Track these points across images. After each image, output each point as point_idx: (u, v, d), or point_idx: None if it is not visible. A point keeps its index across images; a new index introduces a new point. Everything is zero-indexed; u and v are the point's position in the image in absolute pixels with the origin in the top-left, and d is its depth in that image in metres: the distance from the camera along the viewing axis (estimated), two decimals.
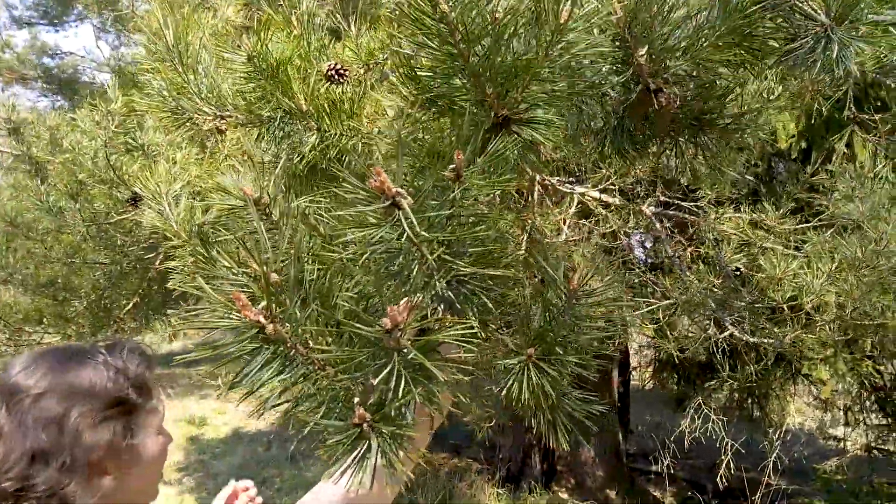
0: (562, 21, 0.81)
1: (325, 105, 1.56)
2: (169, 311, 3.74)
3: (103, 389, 1.05)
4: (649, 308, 3.01)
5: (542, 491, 5.93)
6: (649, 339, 7.24)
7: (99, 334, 3.43)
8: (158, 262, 3.57)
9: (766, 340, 2.60)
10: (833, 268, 2.32)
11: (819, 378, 3.99)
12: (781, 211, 2.83)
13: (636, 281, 4.66)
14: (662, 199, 3.14)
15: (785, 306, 2.43)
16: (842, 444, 6.75)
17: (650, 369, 7.36)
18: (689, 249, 3.16)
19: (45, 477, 0.95)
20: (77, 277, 3.36)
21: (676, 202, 3.06)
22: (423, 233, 0.80)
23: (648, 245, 4.44)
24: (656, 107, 1.06)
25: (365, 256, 0.89)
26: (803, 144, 4.17)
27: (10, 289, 3.42)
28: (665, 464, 5.11)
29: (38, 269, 3.29)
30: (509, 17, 0.83)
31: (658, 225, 2.97)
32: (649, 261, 4.29)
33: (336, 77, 1.67)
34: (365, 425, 0.82)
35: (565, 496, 5.72)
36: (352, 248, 0.95)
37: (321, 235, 1.13)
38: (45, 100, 13.15)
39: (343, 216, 0.92)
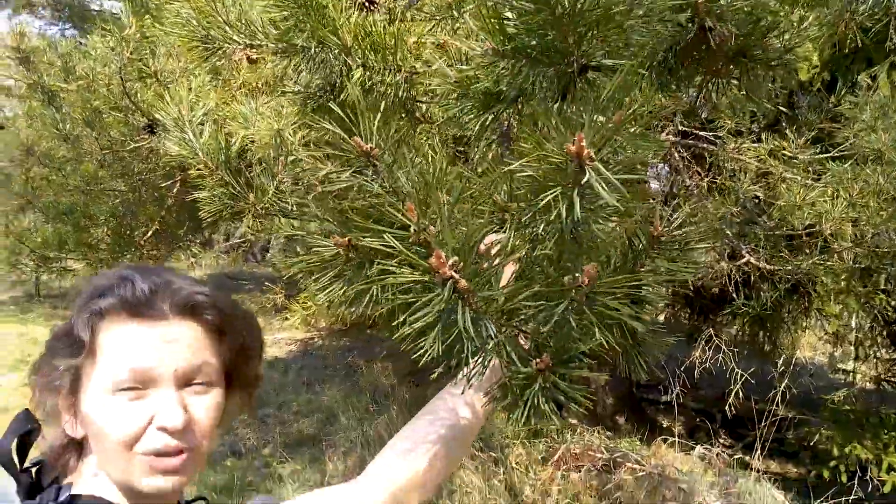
0: None
1: (362, 36, 1.51)
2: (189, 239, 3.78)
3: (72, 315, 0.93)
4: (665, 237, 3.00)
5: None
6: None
7: (120, 261, 3.49)
8: (176, 189, 3.61)
9: (782, 268, 2.60)
10: (854, 194, 2.30)
11: (831, 312, 4.00)
12: (802, 140, 2.79)
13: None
14: (681, 128, 3.10)
15: (803, 233, 2.43)
16: (851, 377, 6.82)
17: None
18: (707, 179, 3.13)
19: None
20: (96, 205, 3.38)
21: (695, 132, 3.02)
22: None
23: (664, 174, 4.41)
24: (712, 45, 1.07)
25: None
26: (826, 76, 4.07)
27: (31, 217, 3.46)
28: (675, 393, 5.20)
29: (57, 197, 3.32)
30: None
31: (676, 155, 2.94)
32: (665, 191, 4.27)
33: (368, 4, 1.62)
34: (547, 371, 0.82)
35: (575, 422, 5.85)
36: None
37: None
38: (53, 28, 12.99)
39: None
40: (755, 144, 2.95)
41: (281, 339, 10.61)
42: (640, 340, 1.12)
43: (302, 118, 2.08)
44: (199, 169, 1.79)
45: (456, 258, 0.77)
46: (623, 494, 4.51)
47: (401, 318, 0.94)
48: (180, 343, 0.92)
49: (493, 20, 0.92)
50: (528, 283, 0.85)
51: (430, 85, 1.29)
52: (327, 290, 1.11)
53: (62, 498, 0.90)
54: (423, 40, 1.61)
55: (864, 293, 4.05)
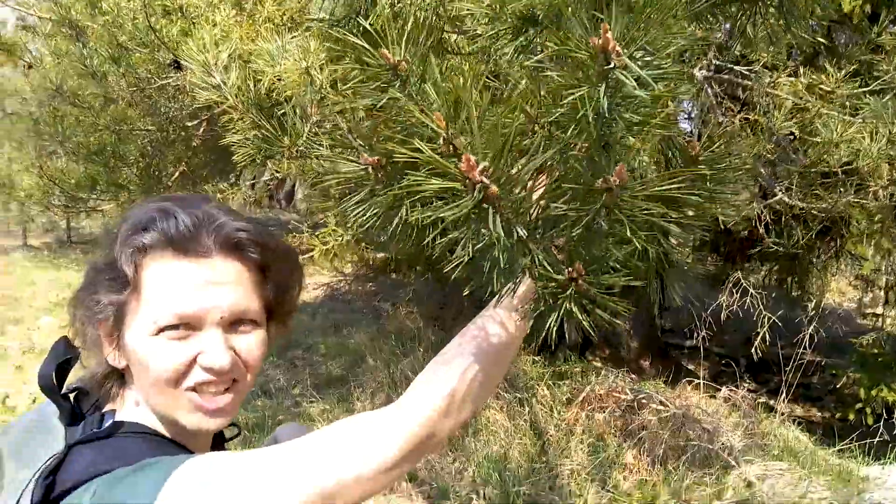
0: None
1: None
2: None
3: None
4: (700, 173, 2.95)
5: (578, 360, 6.11)
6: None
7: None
8: (202, 129, 3.62)
9: (816, 205, 2.55)
10: (894, 131, 2.23)
11: (863, 253, 3.94)
12: (841, 74, 2.70)
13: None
14: (715, 63, 3.01)
15: (839, 170, 2.37)
16: (879, 322, 6.76)
17: (691, 241, 7.32)
18: (740, 116, 3.06)
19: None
20: (125, 145, 3.40)
21: (729, 66, 2.94)
22: None
23: (695, 115, 4.32)
24: None
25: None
26: (868, 8, 3.93)
27: (63, 157, 3.50)
28: (700, 336, 5.20)
29: (87, 138, 3.34)
30: None
31: (709, 90, 2.87)
32: (695, 132, 4.18)
33: None
34: (580, 279, 0.80)
35: (599, 365, 5.89)
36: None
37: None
38: None
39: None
40: (791, 79, 2.87)
41: (307, 283, 10.76)
42: (670, 262, 1.09)
43: (328, 50, 2.06)
44: (229, 112, 1.78)
45: (486, 164, 0.76)
46: (647, 434, 4.56)
47: (430, 235, 0.93)
48: (226, 285, 0.91)
49: None
50: (558, 188, 0.83)
51: (461, 9, 1.25)
52: (356, 212, 1.08)
53: (106, 424, 0.92)
54: None
55: None
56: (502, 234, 0.77)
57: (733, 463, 4.28)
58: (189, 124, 3.29)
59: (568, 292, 0.79)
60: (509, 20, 1.17)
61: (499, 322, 1.04)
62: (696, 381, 5.28)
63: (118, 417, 0.94)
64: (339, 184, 1.09)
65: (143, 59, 2.83)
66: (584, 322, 0.80)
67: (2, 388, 6.40)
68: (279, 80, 2.21)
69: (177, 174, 3.94)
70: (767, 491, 4.00)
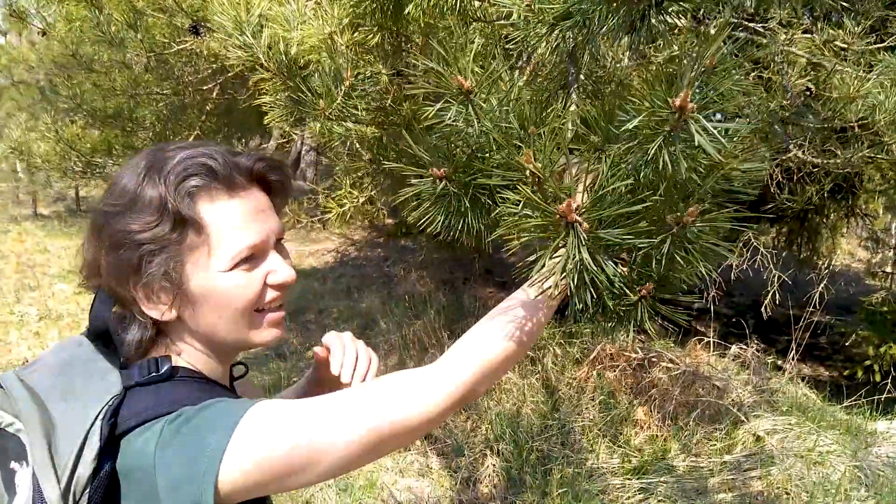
0: None
1: None
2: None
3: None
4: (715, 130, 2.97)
5: (589, 321, 6.18)
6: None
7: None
8: (216, 93, 3.64)
9: (832, 161, 2.57)
10: None
11: (874, 211, 3.96)
12: (859, 29, 2.70)
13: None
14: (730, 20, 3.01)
15: (856, 125, 2.38)
16: (889, 282, 6.80)
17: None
18: (753, 74, 3.06)
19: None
20: (141, 109, 3.43)
21: (744, 23, 2.93)
22: None
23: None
24: None
25: None
26: None
27: (79, 121, 3.53)
28: (711, 296, 5.25)
29: (104, 102, 3.37)
30: None
31: (724, 48, 2.86)
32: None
33: None
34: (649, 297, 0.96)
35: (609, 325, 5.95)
36: None
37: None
38: None
39: None
40: (807, 35, 2.86)
41: (318, 249, 10.82)
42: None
43: (356, 19, 2.07)
44: (260, 72, 1.79)
45: (579, 203, 0.87)
46: (657, 391, 4.64)
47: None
48: (267, 211, 1.02)
49: None
50: (637, 221, 0.92)
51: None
52: (424, 218, 1.22)
53: (164, 369, 0.97)
54: None
55: None
56: (590, 262, 0.88)
57: (743, 418, 4.36)
58: (204, 88, 3.31)
59: (639, 309, 0.97)
60: (546, 21, 1.20)
61: (532, 304, 1.10)
62: (706, 339, 5.34)
63: (174, 363, 1.00)
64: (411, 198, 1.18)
65: (158, 23, 2.84)
66: (651, 330, 0.94)
67: (22, 353, 6.53)
68: (299, 45, 2.23)
69: (191, 138, 3.97)
70: (777, 445, 4.08)
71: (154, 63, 3.13)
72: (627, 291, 0.97)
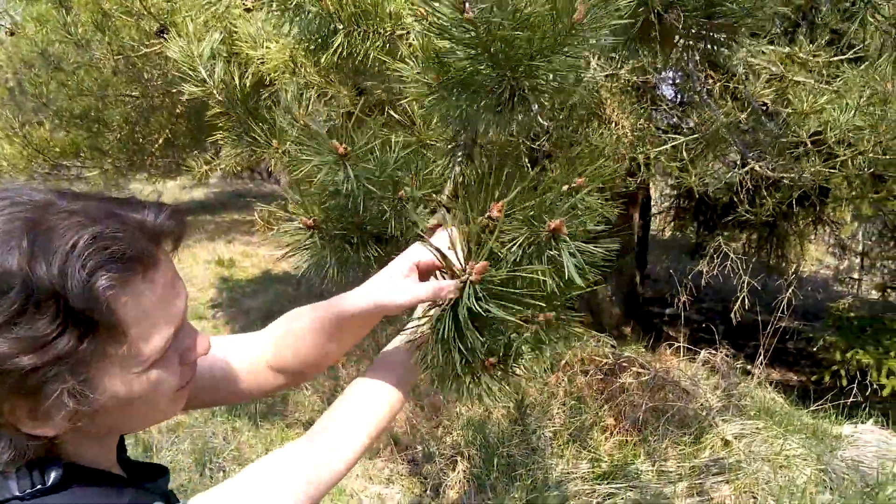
0: (575, 21, 0.91)
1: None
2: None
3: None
4: (673, 143, 3.01)
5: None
6: (670, 184, 7.27)
7: (135, 167, 3.52)
8: (185, 97, 3.58)
9: (786, 175, 2.61)
10: (862, 101, 2.29)
11: (841, 219, 4.03)
12: (816, 43, 2.75)
13: (663, 123, 4.62)
14: (693, 31, 3.04)
15: (808, 141, 2.43)
16: (856, 288, 6.92)
17: (671, 212, 7.43)
18: (718, 85, 3.10)
19: None
20: (109, 110, 3.38)
21: (710, 34, 2.97)
22: None
23: (678, 81, 4.36)
24: (662, 29, 1.14)
25: None
26: None
27: (46, 124, 3.48)
28: (681, 301, 5.30)
29: (71, 102, 3.32)
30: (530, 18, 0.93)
31: (686, 58, 2.90)
32: (678, 98, 4.22)
33: None
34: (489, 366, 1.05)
35: (581, 331, 5.98)
36: None
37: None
38: None
39: None
40: (770, 47, 2.91)
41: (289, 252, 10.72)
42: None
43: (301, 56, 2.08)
44: (214, 108, 1.78)
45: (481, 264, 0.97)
46: (627, 396, 4.68)
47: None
48: (176, 279, 0.86)
49: (431, 55, 1.06)
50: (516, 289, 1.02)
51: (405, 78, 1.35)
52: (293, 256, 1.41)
53: (52, 478, 0.78)
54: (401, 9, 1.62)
55: (876, 199, 4.08)
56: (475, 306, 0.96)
57: (711, 423, 4.40)
58: (173, 90, 3.28)
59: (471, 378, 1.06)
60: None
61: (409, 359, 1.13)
62: (676, 345, 5.39)
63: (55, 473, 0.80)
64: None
65: (127, 25, 2.81)
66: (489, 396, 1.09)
67: None
68: (262, 63, 2.22)
69: (160, 141, 3.93)
70: (744, 449, 4.13)
71: (122, 65, 3.10)
72: (480, 357, 1.04)
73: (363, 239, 1.55)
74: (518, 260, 1.03)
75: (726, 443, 4.22)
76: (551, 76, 1.03)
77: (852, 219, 4.05)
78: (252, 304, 7.91)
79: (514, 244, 1.05)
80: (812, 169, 2.42)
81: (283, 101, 1.84)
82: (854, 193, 4.10)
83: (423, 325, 1.04)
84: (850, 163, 2.36)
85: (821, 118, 2.33)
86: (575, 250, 1.01)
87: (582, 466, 4.19)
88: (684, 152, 3.66)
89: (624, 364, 4.99)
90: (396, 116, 1.91)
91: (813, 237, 6.48)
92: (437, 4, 0.93)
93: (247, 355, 1.21)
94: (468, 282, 0.96)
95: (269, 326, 1.23)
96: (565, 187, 1.17)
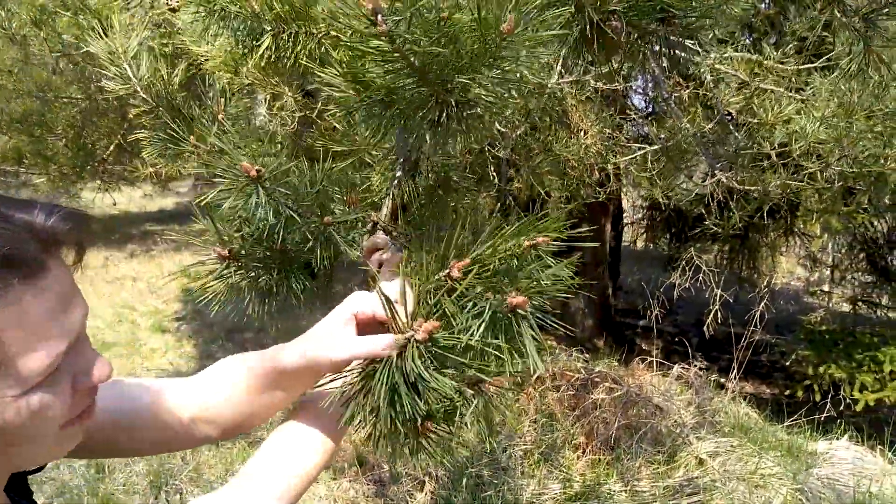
0: (505, 32, 0.83)
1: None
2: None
3: None
4: (640, 153, 2.91)
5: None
6: (642, 195, 7.21)
7: (85, 174, 3.34)
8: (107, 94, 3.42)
9: (752, 188, 2.52)
10: (828, 112, 2.20)
11: (812, 232, 3.97)
12: (782, 51, 2.67)
13: (633, 133, 4.54)
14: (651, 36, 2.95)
15: (773, 153, 2.33)
16: (827, 300, 6.89)
17: (643, 223, 7.38)
18: (687, 92, 3.02)
19: None
20: (51, 113, 3.18)
21: (679, 41, 2.88)
22: None
23: (650, 93, 4.29)
24: (605, 37, 1.05)
25: None
26: None
27: None
28: (653, 314, 5.22)
29: (9, 103, 3.12)
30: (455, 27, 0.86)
31: (654, 64, 2.81)
32: (649, 108, 4.14)
33: None
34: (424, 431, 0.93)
35: (553, 343, 5.88)
36: None
37: None
38: None
39: None
40: (738, 54, 2.83)
41: None
42: None
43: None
44: (138, 106, 1.67)
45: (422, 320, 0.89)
46: (600, 413, 4.55)
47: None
48: (74, 290, 0.73)
49: (350, 73, 0.98)
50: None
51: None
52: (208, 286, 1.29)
53: None
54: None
55: (846, 212, 4.02)
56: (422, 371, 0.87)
57: (685, 440, 4.30)
58: (122, 93, 3.10)
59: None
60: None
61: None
62: (649, 359, 5.30)
63: None
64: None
65: (66, 22, 2.64)
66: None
67: None
68: (206, 59, 2.08)
69: (112, 147, 3.75)
70: (718, 467, 4.02)
71: (63, 64, 2.92)
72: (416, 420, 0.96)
73: (288, 268, 1.43)
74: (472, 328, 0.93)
75: (700, 462, 4.11)
76: (484, 92, 0.94)
77: (822, 231, 3.99)
78: (217, 317, 7.70)
79: (474, 311, 0.94)
80: (778, 182, 2.32)
81: (214, 94, 1.70)
82: (824, 206, 4.04)
83: (354, 378, 0.93)
84: (818, 175, 2.27)
85: (787, 128, 2.23)
86: (536, 332, 0.91)
87: (553, 487, 4.05)
88: (652, 163, 3.58)
89: (596, 379, 4.88)
90: (338, 126, 1.78)
91: (784, 249, 6.45)
92: (346, 14, 0.84)
93: (176, 401, 1.06)
94: (412, 340, 0.86)
95: (200, 374, 1.10)
96: (525, 242, 1.05)
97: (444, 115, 1.00)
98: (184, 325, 7.55)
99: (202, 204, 1.22)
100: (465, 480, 4.04)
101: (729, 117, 2.51)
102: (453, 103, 0.98)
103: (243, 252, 1.36)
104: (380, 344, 0.87)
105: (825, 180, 2.30)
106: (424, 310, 0.91)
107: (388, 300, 0.88)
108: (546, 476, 4.15)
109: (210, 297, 1.36)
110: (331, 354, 0.91)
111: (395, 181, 1.44)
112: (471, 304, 0.94)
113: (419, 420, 0.89)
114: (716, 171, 2.48)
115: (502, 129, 2.36)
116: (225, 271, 1.29)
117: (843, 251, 5.81)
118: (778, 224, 5.21)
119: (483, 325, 0.92)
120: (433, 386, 0.85)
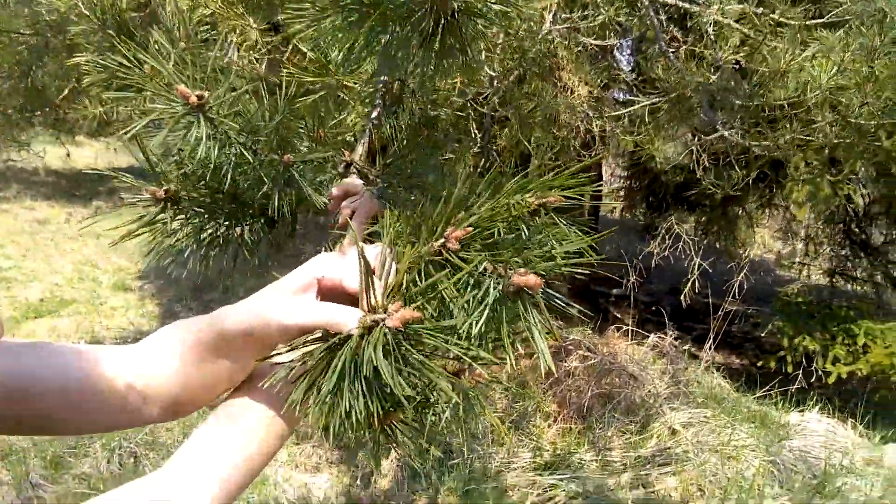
0: None
1: None
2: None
3: None
4: (637, 106, 2.74)
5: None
6: (622, 164, 7.09)
7: (34, 117, 3.06)
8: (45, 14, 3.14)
9: (757, 143, 2.37)
10: (845, 58, 2.05)
11: (797, 200, 3.86)
12: (788, 4, 2.50)
13: (620, 96, 4.37)
14: None
15: (785, 103, 2.18)
16: (801, 272, 6.86)
17: (621, 192, 7.27)
18: (684, 49, 2.84)
19: None
20: None
21: None
22: None
23: (633, 55, 4.09)
24: None
25: None
26: None
27: None
28: (629, 282, 5.11)
29: None
30: None
31: (653, 14, 2.63)
32: (636, 71, 3.96)
33: None
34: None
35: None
36: None
37: None
38: None
39: None
40: (741, 6, 2.65)
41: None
42: None
43: None
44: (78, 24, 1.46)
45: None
46: (573, 382, 4.45)
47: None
48: None
49: None
50: None
51: None
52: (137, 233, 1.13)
53: None
54: None
55: (833, 180, 3.91)
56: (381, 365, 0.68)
57: (658, 410, 4.22)
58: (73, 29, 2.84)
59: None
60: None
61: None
62: (624, 327, 5.21)
63: None
64: None
65: None
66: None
67: None
68: None
69: (66, 91, 3.47)
70: (691, 438, 3.95)
71: None
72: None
73: (239, 216, 1.23)
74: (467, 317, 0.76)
75: (673, 432, 4.04)
76: None
77: (808, 199, 3.89)
78: (182, 276, 7.44)
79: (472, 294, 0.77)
80: (788, 136, 2.17)
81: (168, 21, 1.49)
82: (813, 174, 3.93)
83: (314, 352, 0.75)
84: (828, 129, 2.12)
85: (799, 78, 2.07)
86: (547, 319, 0.75)
87: (523, 455, 3.95)
88: (646, 118, 3.42)
89: (570, 347, 4.77)
90: (310, 54, 1.57)
91: (767, 220, 6.38)
92: None
93: (110, 372, 0.84)
94: (381, 325, 0.68)
95: (139, 343, 0.88)
96: (530, 198, 0.86)
97: (441, 26, 0.82)
98: (147, 283, 7.29)
99: (128, 136, 1.01)
100: (432, 447, 3.92)
101: (737, 65, 2.35)
102: (456, 6, 0.79)
103: (184, 194, 1.16)
104: (344, 316, 0.71)
105: (836, 136, 2.15)
106: (416, 290, 0.73)
107: (367, 266, 0.69)
108: (516, 444, 4.05)
109: (148, 249, 1.18)
110: (282, 318, 0.74)
111: (374, 115, 1.24)
112: (467, 283, 0.77)
113: (382, 410, 0.71)
114: (717, 127, 2.32)
115: (493, 74, 2.18)
116: (160, 216, 1.10)
117: (822, 224, 5.75)
118: (757, 192, 5.11)
119: (485, 312, 0.75)
120: (389, 385, 0.67)
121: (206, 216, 1.26)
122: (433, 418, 0.84)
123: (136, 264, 8.01)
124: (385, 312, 0.69)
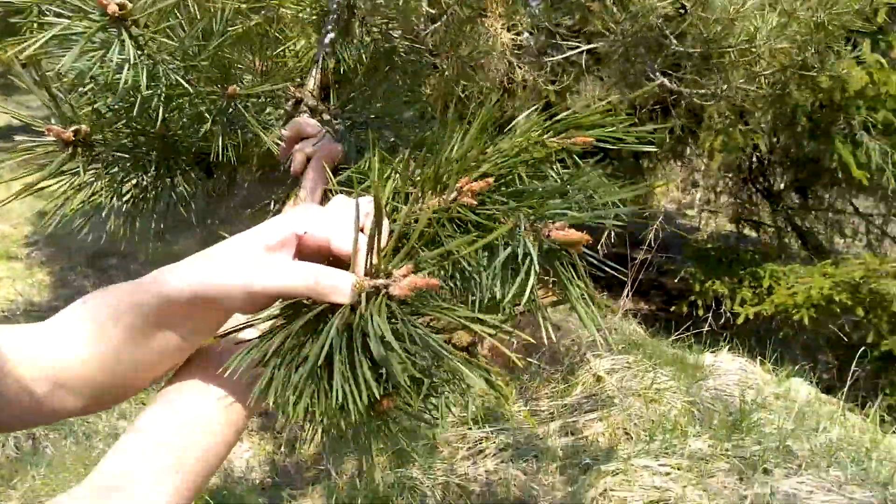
0: None
1: None
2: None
3: None
4: (571, 52, 2.66)
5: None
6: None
7: None
8: None
9: (697, 91, 2.34)
10: (797, 6, 2.04)
11: (714, 147, 3.95)
12: None
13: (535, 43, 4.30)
14: None
15: (732, 51, 2.15)
16: (710, 219, 7.13)
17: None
18: None
19: None
20: None
21: None
22: None
23: None
24: None
25: None
26: None
27: None
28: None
29: None
30: None
31: None
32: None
33: None
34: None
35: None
36: None
37: None
38: None
39: None
40: None
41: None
42: None
43: None
44: None
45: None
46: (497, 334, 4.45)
47: None
48: None
49: None
50: None
51: None
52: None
53: None
54: None
55: (745, 130, 4.01)
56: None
57: (582, 358, 4.28)
58: None
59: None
60: None
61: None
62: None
63: None
64: None
65: None
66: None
67: None
68: None
69: None
70: (616, 384, 4.03)
71: None
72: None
73: (172, 161, 1.05)
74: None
75: (598, 379, 4.11)
76: None
77: (721, 147, 3.99)
78: (76, 241, 6.91)
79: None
80: (737, 80, 2.14)
81: None
82: (727, 124, 4.01)
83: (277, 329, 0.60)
84: (763, 80, 2.12)
85: (745, 25, 2.04)
86: (588, 285, 0.66)
87: (452, 410, 3.92)
88: (564, 76, 3.36)
89: None
90: None
91: (679, 168, 6.55)
92: None
93: (11, 359, 0.65)
94: (383, 292, 0.55)
95: (50, 320, 0.67)
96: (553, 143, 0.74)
97: None
98: (36, 250, 6.75)
99: (22, 58, 0.81)
100: None
101: (683, 9, 2.29)
102: None
103: (99, 137, 0.97)
104: (333, 279, 0.55)
105: (770, 86, 2.16)
106: (426, 255, 0.60)
107: (377, 220, 0.54)
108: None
109: (46, 209, 0.99)
110: (249, 280, 0.57)
111: (326, 41, 1.09)
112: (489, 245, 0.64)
113: (373, 397, 0.57)
114: (656, 74, 2.28)
115: (432, 10, 2.04)
116: (68, 164, 0.91)
117: (729, 174, 5.95)
118: (678, 143, 5.21)
119: (517, 279, 0.64)
120: (392, 365, 0.54)
121: (128, 164, 1.07)
122: (456, 408, 0.70)
123: (17, 228, 7.40)
124: (389, 278, 0.56)
